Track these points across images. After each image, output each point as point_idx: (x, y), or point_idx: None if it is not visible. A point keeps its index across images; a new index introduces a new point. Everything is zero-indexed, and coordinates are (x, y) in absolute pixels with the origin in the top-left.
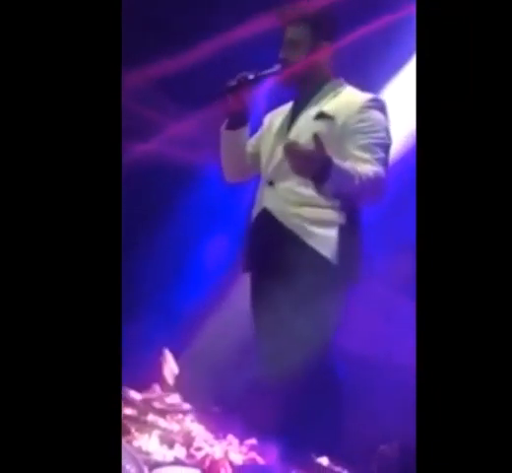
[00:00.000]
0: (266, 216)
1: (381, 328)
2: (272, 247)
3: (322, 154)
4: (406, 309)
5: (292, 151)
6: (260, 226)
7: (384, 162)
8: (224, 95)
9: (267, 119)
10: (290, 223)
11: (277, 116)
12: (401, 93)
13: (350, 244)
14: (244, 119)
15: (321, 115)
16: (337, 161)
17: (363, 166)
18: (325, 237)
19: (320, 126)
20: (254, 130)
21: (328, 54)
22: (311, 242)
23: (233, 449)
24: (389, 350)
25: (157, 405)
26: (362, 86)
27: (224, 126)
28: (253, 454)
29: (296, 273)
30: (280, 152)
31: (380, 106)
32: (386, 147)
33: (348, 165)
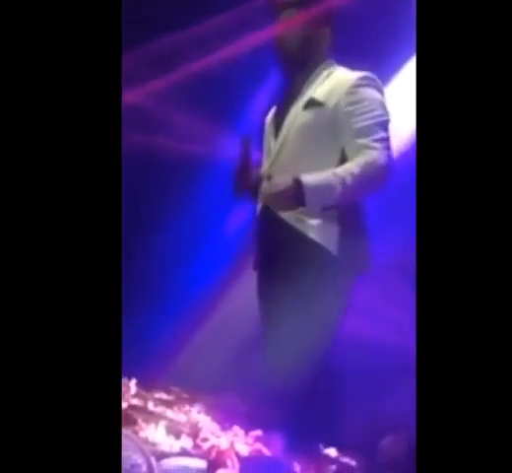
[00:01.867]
0: (268, 212)
1: (389, 316)
2: (276, 243)
3: (289, 184)
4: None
5: (271, 199)
6: (263, 222)
7: (384, 140)
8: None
9: (268, 118)
10: (291, 217)
11: (273, 110)
12: (401, 92)
13: (352, 236)
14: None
15: (310, 103)
16: (310, 180)
17: (356, 160)
18: (326, 230)
19: (312, 114)
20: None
21: (327, 40)
22: (312, 235)
23: (239, 440)
24: (396, 338)
25: (163, 396)
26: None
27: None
28: (259, 445)
29: (300, 267)
30: (275, 146)
31: (371, 83)
32: (384, 124)
33: (327, 177)
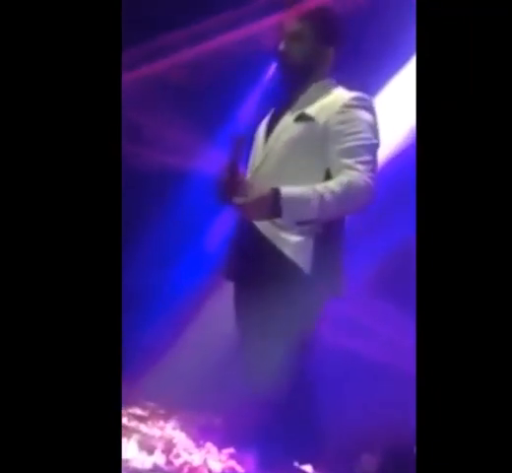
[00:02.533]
0: (246, 222)
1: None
2: (251, 256)
3: (266, 193)
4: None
5: (247, 207)
6: (240, 233)
7: (369, 164)
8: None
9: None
10: (267, 230)
11: (264, 120)
12: (401, 92)
13: (327, 256)
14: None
15: (301, 117)
16: (288, 191)
17: (338, 178)
18: (301, 248)
19: (301, 129)
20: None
21: (329, 60)
22: (287, 252)
23: (212, 457)
24: (375, 352)
25: (137, 411)
26: (362, 85)
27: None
28: (232, 463)
29: (273, 283)
30: (261, 155)
31: (364, 105)
32: (371, 147)
33: (306, 191)
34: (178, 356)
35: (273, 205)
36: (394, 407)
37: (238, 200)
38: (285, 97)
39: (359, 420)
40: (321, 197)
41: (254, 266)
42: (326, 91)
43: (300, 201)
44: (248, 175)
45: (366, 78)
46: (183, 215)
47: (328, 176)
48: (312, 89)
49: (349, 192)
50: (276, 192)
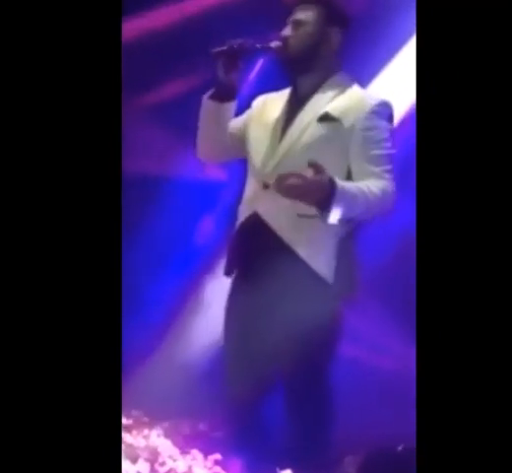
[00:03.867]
0: (256, 221)
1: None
2: (260, 255)
3: (324, 180)
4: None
5: (285, 187)
6: (248, 230)
7: (392, 173)
8: (212, 60)
9: (257, 103)
10: (285, 233)
11: (271, 105)
12: (401, 71)
13: (347, 263)
14: (233, 93)
15: (326, 117)
16: (341, 184)
17: (372, 182)
18: (321, 253)
19: (325, 129)
20: (240, 110)
21: (337, 42)
22: (304, 256)
23: (198, 464)
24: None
25: (122, 420)
26: (362, 65)
27: (208, 95)
28: (218, 469)
29: (284, 285)
30: (278, 153)
31: (388, 112)
32: (392, 157)
33: (354, 187)
34: (162, 363)
35: (326, 194)
36: (381, 408)
37: (291, 179)
38: (295, 88)
39: (347, 424)
40: (367, 198)
41: (262, 267)
42: (343, 88)
43: (351, 197)
44: (266, 170)
45: (366, 58)
46: (170, 220)
47: (349, 177)
48: (327, 85)
49: (385, 197)
50: (332, 182)
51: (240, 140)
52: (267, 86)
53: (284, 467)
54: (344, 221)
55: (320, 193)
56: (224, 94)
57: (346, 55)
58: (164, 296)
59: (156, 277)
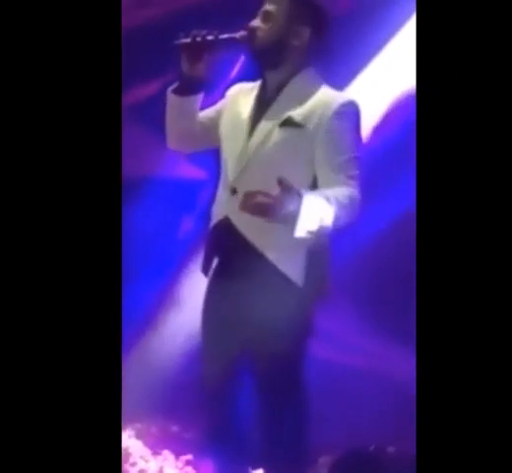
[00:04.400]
0: (227, 224)
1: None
2: (232, 257)
3: (291, 196)
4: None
5: (252, 205)
6: (220, 233)
7: (358, 179)
8: (175, 53)
9: (231, 93)
10: (254, 237)
11: (243, 98)
12: (401, 51)
13: (317, 265)
14: (198, 85)
15: (288, 122)
16: (309, 198)
17: (338, 190)
18: (291, 257)
19: (288, 134)
20: (214, 99)
21: (303, 41)
22: (274, 260)
23: (169, 464)
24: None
25: None
26: (363, 44)
27: (171, 88)
28: (189, 469)
29: (255, 288)
30: (243, 157)
31: (353, 112)
32: (358, 160)
33: (322, 199)
34: (134, 364)
35: (294, 209)
36: (356, 408)
37: (257, 198)
38: (264, 83)
39: (321, 425)
40: (335, 209)
41: (233, 271)
42: (309, 88)
43: (318, 210)
44: (232, 175)
45: (367, 36)
46: (148, 219)
47: (314, 183)
48: (293, 83)
49: (352, 205)
50: (300, 196)
51: (212, 130)
52: (241, 73)
53: (256, 467)
54: (311, 233)
55: (287, 209)
56: (189, 87)
57: (345, 35)
58: (135, 301)
59: (132, 276)
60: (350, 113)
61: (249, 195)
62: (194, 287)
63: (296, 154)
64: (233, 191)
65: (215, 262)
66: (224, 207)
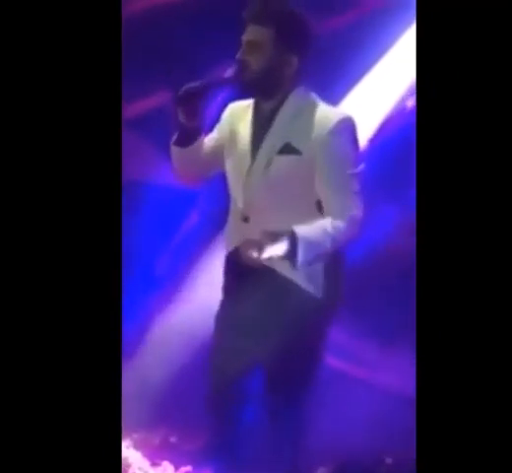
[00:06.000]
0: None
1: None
2: (251, 281)
3: (284, 238)
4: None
5: (249, 258)
6: (236, 260)
7: (359, 194)
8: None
9: (227, 116)
10: (273, 261)
11: (240, 122)
12: (401, 57)
13: (334, 278)
14: (196, 134)
15: (287, 149)
16: (302, 234)
17: (337, 214)
18: (310, 273)
19: (288, 161)
20: (210, 122)
21: (293, 68)
22: (297, 280)
23: None
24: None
25: None
26: (363, 51)
27: (172, 141)
28: None
29: (272, 300)
30: (249, 183)
31: (348, 127)
32: (359, 176)
33: (316, 231)
34: (132, 373)
35: (290, 247)
36: (356, 421)
37: (249, 244)
38: (257, 109)
39: (321, 435)
40: (332, 237)
41: (252, 296)
42: (304, 108)
43: (315, 241)
44: (242, 203)
45: (366, 44)
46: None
47: (319, 206)
48: (287, 106)
49: (353, 228)
50: (293, 235)
51: (217, 158)
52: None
53: None
54: (312, 262)
55: (283, 250)
56: (189, 138)
57: (344, 40)
58: (132, 305)
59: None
60: (345, 130)
61: (244, 247)
62: (195, 293)
63: (298, 179)
64: (245, 219)
65: (233, 284)
66: (236, 236)
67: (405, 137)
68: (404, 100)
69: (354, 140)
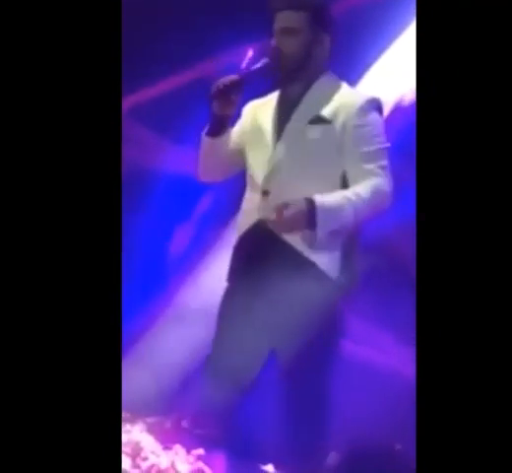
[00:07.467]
0: (262, 227)
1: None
2: (267, 261)
3: (301, 206)
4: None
5: (282, 222)
6: (254, 237)
7: (387, 168)
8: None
9: (248, 111)
10: (291, 236)
11: (261, 112)
12: (401, 56)
13: (351, 259)
14: (227, 122)
15: (317, 120)
16: (321, 201)
17: (362, 184)
18: (328, 254)
19: (317, 132)
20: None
21: (326, 47)
22: (314, 258)
23: (180, 459)
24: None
25: None
26: (362, 49)
27: (205, 131)
28: (200, 464)
29: (295, 289)
30: (272, 161)
31: (377, 107)
32: (386, 151)
33: (337, 199)
34: (144, 358)
35: (308, 217)
36: (370, 406)
37: (270, 215)
38: (285, 93)
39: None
40: (354, 206)
41: (271, 272)
42: (332, 89)
43: (335, 211)
44: (262, 178)
45: (367, 40)
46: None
47: (344, 179)
48: (316, 87)
49: (377, 198)
50: (311, 203)
51: (239, 154)
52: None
53: (266, 462)
54: (333, 233)
55: (302, 220)
56: (220, 127)
57: (345, 41)
58: (144, 298)
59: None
60: (373, 108)
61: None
62: (198, 291)
63: (324, 151)
64: (265, 193)
65: (245, 267)
66: (255, 211)
67: (405, 134)
68: (402, 97)
69: (381, 117)
